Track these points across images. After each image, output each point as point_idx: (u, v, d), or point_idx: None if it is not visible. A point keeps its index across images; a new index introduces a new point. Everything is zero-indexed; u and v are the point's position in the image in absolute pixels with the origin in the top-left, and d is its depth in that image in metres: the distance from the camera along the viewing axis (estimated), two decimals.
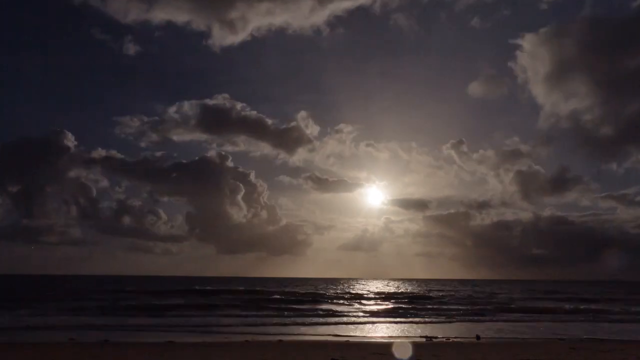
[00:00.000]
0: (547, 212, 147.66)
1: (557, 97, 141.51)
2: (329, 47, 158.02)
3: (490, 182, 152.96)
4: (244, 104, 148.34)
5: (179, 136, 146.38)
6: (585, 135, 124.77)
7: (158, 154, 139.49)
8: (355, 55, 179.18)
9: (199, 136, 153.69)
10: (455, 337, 21.60)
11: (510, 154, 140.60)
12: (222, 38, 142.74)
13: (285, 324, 27.42)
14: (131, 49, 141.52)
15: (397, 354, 14.73)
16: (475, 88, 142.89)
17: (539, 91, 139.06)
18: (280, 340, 19.74)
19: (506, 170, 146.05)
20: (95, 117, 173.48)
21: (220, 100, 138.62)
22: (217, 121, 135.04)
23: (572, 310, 40.20)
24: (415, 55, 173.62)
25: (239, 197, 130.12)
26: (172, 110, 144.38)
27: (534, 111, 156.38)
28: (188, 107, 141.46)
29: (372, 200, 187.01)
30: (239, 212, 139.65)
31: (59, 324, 26.05)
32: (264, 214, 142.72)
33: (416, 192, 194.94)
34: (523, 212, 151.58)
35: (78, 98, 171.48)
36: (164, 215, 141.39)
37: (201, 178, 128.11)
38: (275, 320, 29.73)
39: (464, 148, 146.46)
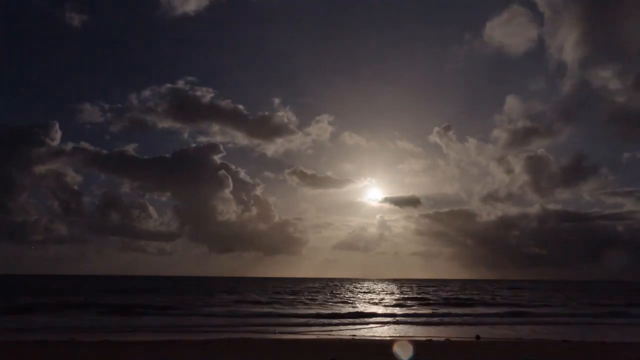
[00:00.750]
0: (555, 207, 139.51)
1: (587, 50, 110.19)
2: (301, 20, 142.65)
3: (493, 174, 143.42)
4: (216, 91, 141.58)
5: (148, 126, 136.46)
6: (612, 110, 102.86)
7: (132, 145, 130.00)
8: (331, 30, 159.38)
9: (171, 125, 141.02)
10: (455, 337, 21.60)
11: (519, 136, 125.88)
12: (175, 6, 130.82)
13: (285, 324, 27.38)
14: (75, 19, 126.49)
15: (397, 354, 14.71)
16: (478, 44, 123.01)
17: (569, 44, 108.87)
18: (280, 340, 19.71)
19: (514, 156, 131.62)
20: (47, 102, 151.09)
21: (185, 85, 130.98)
22: (186, 109, 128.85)
23: None
24: (402, 21, 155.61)
25: (228, 191, 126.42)
26: (133, 96, 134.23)
27: (559, 71, 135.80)
28: (151, 93, 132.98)
29: (365, 197, 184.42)
30: (228, 207, 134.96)
31: (58, 323, 25.97)
32: (253, 210, 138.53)
33: (411, 186, 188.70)
34: (529, 208, 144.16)
35: (25, 79, 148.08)
36: (153, 212, 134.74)
37: (185, 172, 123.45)
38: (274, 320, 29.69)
39: (458, 134, 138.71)
